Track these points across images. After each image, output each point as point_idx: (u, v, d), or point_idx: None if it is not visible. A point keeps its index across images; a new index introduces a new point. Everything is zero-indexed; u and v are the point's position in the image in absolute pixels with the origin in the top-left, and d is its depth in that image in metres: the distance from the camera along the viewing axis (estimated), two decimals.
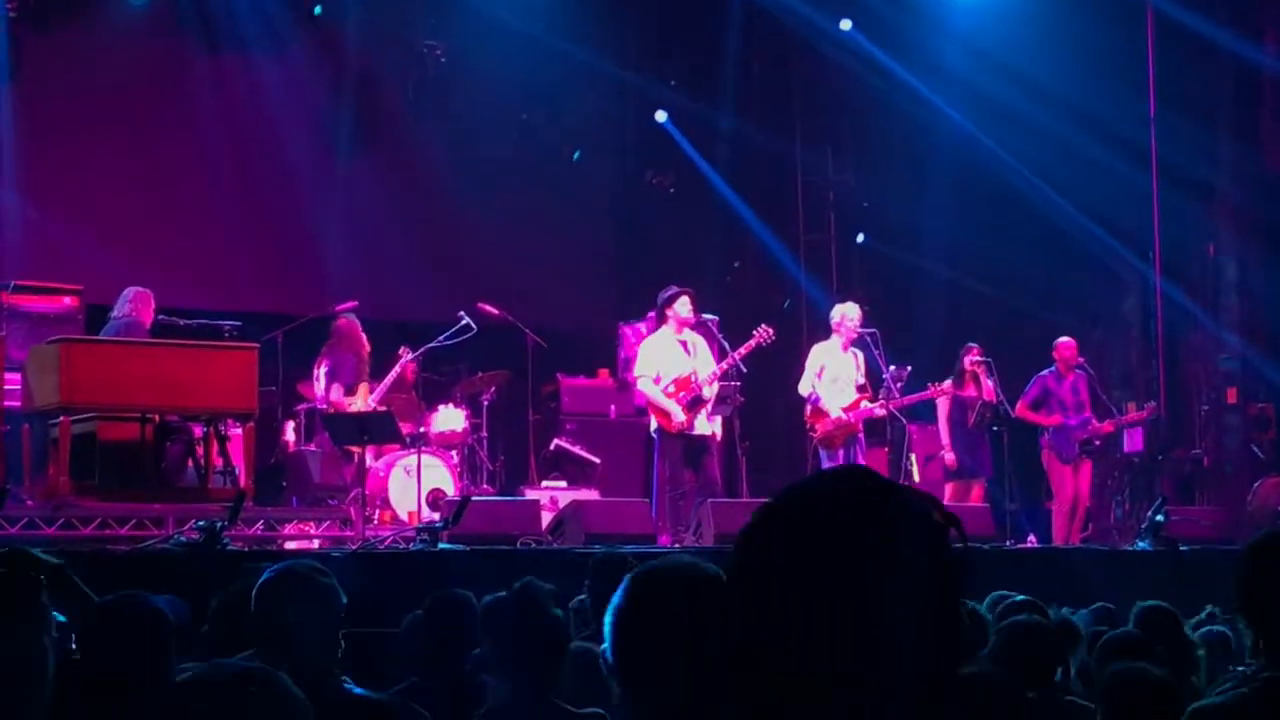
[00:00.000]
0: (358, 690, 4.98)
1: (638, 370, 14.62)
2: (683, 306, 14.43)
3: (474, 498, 13.21)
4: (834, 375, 15.04)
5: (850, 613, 2.00)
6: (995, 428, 16.44)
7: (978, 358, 16.38)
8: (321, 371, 16.03)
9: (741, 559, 2.09)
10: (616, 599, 3.19)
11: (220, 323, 14.84)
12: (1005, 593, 7.78)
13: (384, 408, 15.46)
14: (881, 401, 15.23)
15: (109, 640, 4.98)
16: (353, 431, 14.69)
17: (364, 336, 16.17)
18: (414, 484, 15.03)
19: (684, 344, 14.44)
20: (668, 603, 3.15)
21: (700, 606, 3.12)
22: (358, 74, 19.21)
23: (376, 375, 16.22)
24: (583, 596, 7.84)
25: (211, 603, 5.90)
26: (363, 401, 15.92)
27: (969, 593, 7.24)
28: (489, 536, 12.27)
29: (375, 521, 14.73)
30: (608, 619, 3.19)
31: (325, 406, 15.86)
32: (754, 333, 14.65)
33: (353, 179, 18.78)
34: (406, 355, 16.22)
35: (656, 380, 14.26)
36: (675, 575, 3.22)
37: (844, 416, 14.93)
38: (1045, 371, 16.60)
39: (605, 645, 3.19)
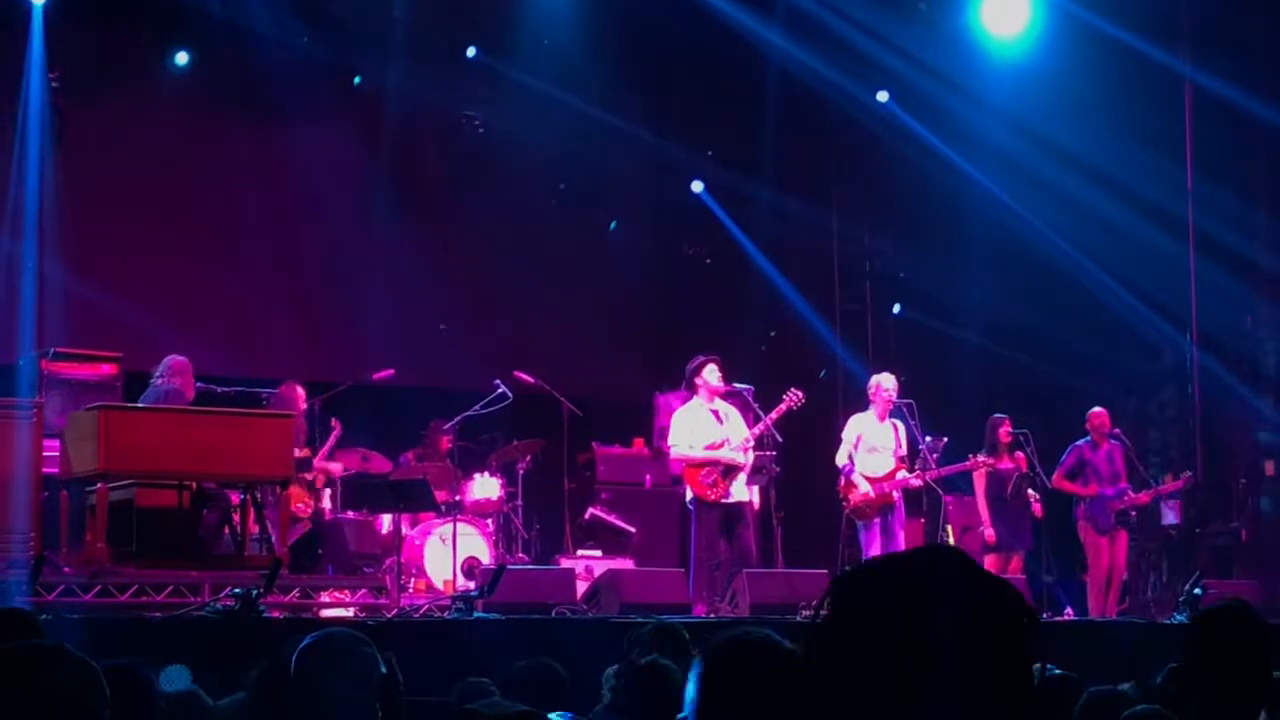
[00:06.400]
0: None
1: (671, 440, 14.61)
2: (711, 374, 14.42)
3: (509, 566, 13.21)
4: (871, 445, 15.00)
5: (919, 676, 2.04)
6: (1032, 498, 16.35)
7: (1012, 429, 16.34)
8: None
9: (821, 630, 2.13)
10: (699, 668, 3.33)
11: (258, 390, 14.89)
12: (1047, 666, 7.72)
13: (422, 476, 15.51)
14: (918, 472, 15.17)
15: None
16: (388, 499, 14.70)
17: (298, 401, 16.16)
18: (449, 552, 15.04)
19: (715, 413, 14.43)
20: (748, 672, 3.26)
21: (776, 678, 3.24)
22: (396, 143, 19.30)
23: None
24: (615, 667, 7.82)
25: (253, 671, 5.91)
26: None
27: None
28: (524, 605, 12.26)
29: (410, 590, 14.73)
30: (690, 687, 3.31)
31: None
32: (784, 397, 14.63)
33: (390, 247, 18.85)
34: (337, 428, 16.29)
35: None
36: (754, 646, 3.32)
37: (870, 492, 14.86)
38: (1080, 442, 16.54)
39: (686, 713, 3.31)
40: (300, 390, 16.16)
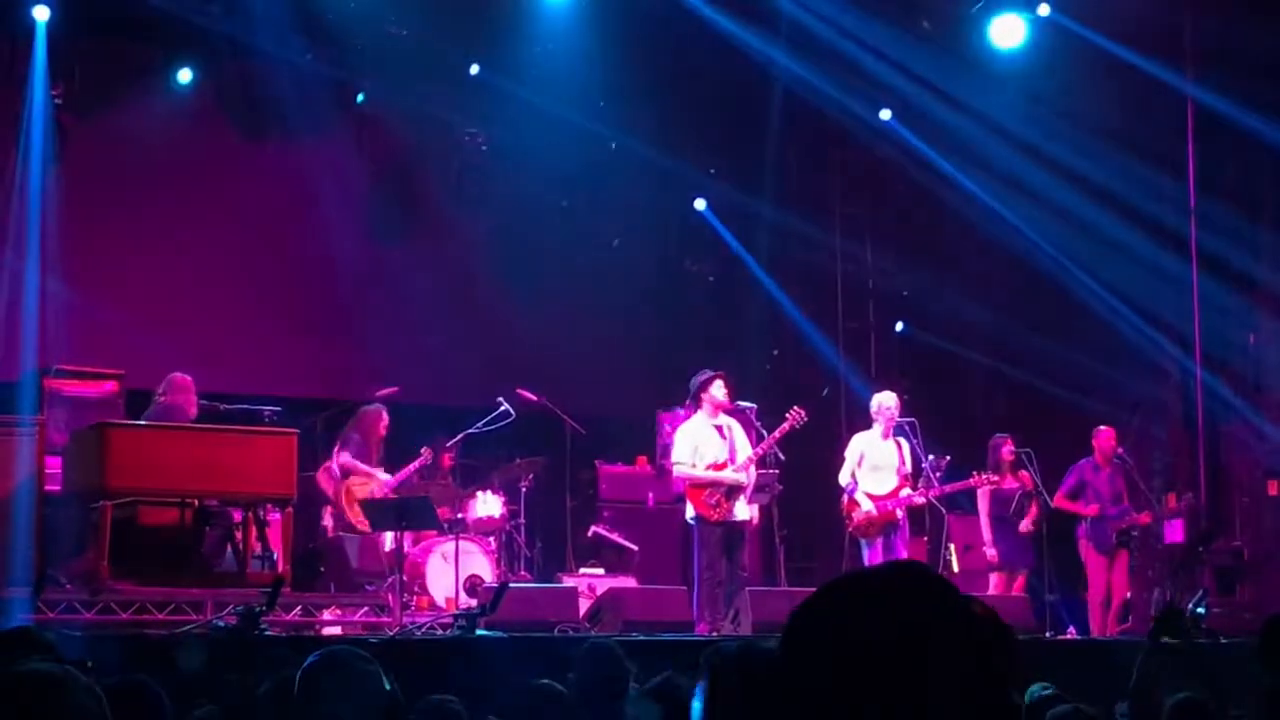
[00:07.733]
0: None
1: (675, 457, 14.60)
2: (717, 389, 14.42)
3: (511, 584, 13.19)
4: (874, 464, 14.99)
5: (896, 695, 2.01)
6: (1035, 520, 16.33)
7: (1014, 448, 16.32)
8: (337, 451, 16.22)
9: (793, 642, 2.10)
10: (705, 678, 3.36)
11: (260, 407, 14.88)
12: (1044, 685, 7.72)
13: (424, 494, 15.48)
14: (921, 490, 15.15)
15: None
16: (390, 517, 14.69)
17: (380, 424, 16.27)
18: (452, 570, 15.01)
19: (720, 429, 14.42)
20: (753, 682, 3.28)
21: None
22: (400, 160, 19.32)
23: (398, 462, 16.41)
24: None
25: (260, 688, 5.90)
26: (376, 486, 16.03)
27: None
28: (526, 623, 12.26)
29: (412, 608, 14.71)
30: (696, 701, 3.34)
31: (336, 473, 16.04)
32: (787, 415, 14.62)
33: (394, 265, 18.85)
34: (428, 456, 16.34)
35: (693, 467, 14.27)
36: (759, 656, 3.35)
37: (873, 510, 14.85)
38: (1083, 461, 16.55)
39: None
40: (385, 415, 16.27)
